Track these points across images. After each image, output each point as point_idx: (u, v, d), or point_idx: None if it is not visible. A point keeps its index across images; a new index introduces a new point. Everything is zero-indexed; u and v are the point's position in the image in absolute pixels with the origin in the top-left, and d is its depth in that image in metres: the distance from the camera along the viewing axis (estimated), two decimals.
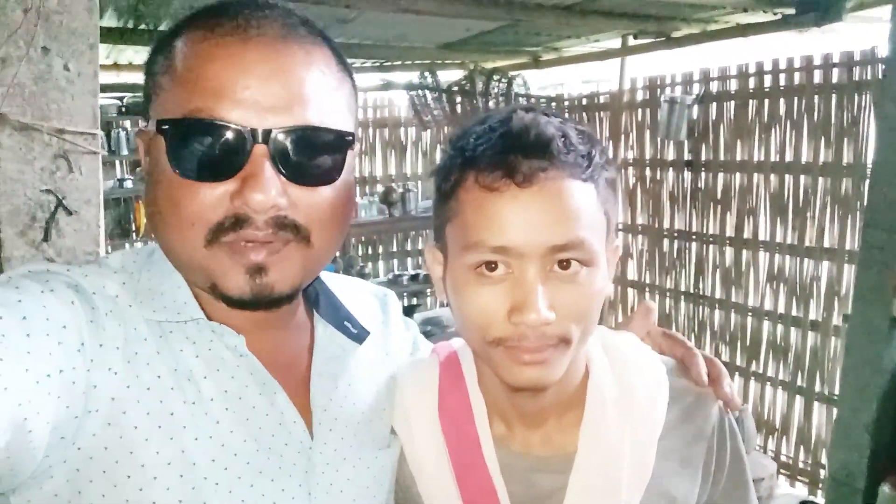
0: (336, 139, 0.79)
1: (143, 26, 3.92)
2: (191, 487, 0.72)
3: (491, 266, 0.77)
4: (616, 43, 4.80)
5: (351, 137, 0.81)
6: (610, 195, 0.83)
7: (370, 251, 6.21)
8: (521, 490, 0.88)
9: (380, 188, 5.79)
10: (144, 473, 0.70)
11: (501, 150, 0.77)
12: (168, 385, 0.74)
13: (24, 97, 1.52)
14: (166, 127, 0.73)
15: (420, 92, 5.68)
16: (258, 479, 0.77)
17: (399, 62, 5.69)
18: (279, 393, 0.81)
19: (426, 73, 5.74)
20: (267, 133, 0.73)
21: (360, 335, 0.94)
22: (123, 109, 5.63)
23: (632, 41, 4.66)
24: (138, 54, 4.81)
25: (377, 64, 5.69)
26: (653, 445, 0.87)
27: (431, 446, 0.91)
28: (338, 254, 4.88)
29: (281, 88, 0.74)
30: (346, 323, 0.94)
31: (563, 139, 0.78)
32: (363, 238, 6.06)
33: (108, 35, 3.85)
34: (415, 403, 0.94)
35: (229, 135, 0.72)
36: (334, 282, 1.00)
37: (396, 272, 5.91)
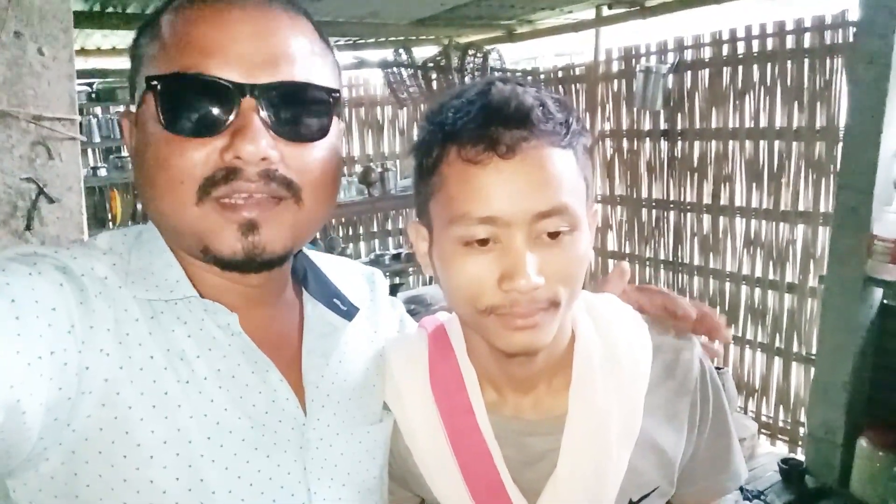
0: (322, 96, 0.80)
1: (110, 9, 3.83)
2: (187, 465, 0.73)
3: (479, 237, 0.79)
4: (590, 14, 4.79)
5: (337, 94, 0.82)
6: (587, 161, 0.85)
7: (351, 232, 6.20)
8: (514, 453, 0.91)
9: (358, 168, 5.76)
10: (140, 453, 0.71)
11: (482, 122, 0.78)
12: (161, 365, 0.75)
13: None
14: (154, 83, 0.74)
15: (395, 69, 5.63)
16: (254, 456, 0.78)
17: (372, 39, 5.63)
18: (271, 371, 0.82)
19: (400, 50, 5.68)
20: (254, 87, 0.74)
21: (349, 312, 0.95)
22: (94, 95, 5.51)
23: (605, 11, 4.65)
24: (106, 38, 4.72)
25: (350, 42, 5.63)
26: (639, 402, 0.91)
27: (425, 417, 0.93)
28: (318, 235, 4.86)
29: (267, 45, 0.76)
30: (335, 300, 0.95)
31: (541, 108, 0.79)
32: (343, 219, 6.04)
33: (76, 19, 3.76)
34: (406, 377, 0.96)
35: (218, 89, 0.74)
36: (322, 260, 1.01)
37: (378, 252, 5.90)
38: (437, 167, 0.82)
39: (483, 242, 0.79)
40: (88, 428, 0.70)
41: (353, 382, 0.93)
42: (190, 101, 0.73)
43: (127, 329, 0.74)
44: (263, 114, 0.75)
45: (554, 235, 0.79)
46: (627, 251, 5.00)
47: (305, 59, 0.78)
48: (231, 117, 0.74)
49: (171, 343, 0.77)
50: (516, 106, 0.78)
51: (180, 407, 0.74)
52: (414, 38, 5.69)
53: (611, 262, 5.17)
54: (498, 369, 0.92)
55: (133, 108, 0.80)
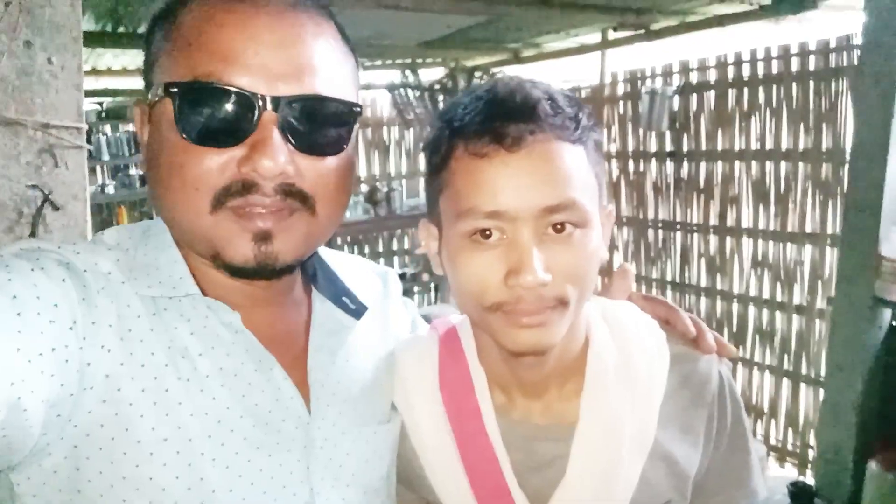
0: (344, 109, 0.80)
1: (122, 29, 3.88)
2: (187, 464, 0.73)
3: (485, 232, 0.78)
4: (596, 37, 4.83)
5: (358, 109, 0.82)
6: (599, 158, 0.83)
7: (357, 251, 6.20)
8: (522, 458, 0.89)
9: (364, 188, 5.78)
10: (140, 450, 0.70)
11: (488, 116, 0.78)
12: (162, 362, 0.74)
13: (7, 92, 1.51)
14: (174, 90, 0.73)
15: (402, 91, 5.68)
16: (255, 455, 0.77)
17: (380, 61, 5.69)
18: (276, 369, 0.81)
19: (407, 72, 5.74)
20: (276, 100, 0.73)
21: (358, 311, 0.94)
22: (104, 114, 5.57)
23: (611, 34, 4.68)
24: (118, 59, 4.78)
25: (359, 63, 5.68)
26: (654, 412, 0.88)
27: (433, 419, 0.92)
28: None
29: (291, 56, 0.74)
30: (343, 298, 0.94)
31: (549, 102, 0.79)
32: (349, 238, 6.04)
33: (87, 39, 3.80)
34: (415, 378, 0.94)
35: (239, 100, 0.72)
36: (334, 258, 1.00)
37: None
38: (446, 163, 0.81)
39: (489, 236, 0.78)
40: (89, 424, 0.69)
41: (361, 381, 0.92)
42: (209, 111, 0.72)
43: (129, 325, 0.74)
44: (284, 127, 0.74)
45: (562, 231, 0.78)
46: (634, 272, 4.97)
47: (328, 69, 0.77)
48: (250, 128, 0.73)
49: (173, 340, 0.76)
50: (522, 99, 0.78)
51: (181, 404, 0.74)
52: (421, 60, 5.75)
53: None
54: (508, 371, 0.90)
55: (149, 96, 0.79)
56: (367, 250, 6.22)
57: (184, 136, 0.72)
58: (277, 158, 0.73)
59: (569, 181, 0.77)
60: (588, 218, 0.79)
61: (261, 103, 0.73)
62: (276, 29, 0.74)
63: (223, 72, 0.72)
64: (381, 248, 6.27)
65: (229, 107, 0.72)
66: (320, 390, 0.86)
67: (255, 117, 0.73)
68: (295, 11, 0.76)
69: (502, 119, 0.77)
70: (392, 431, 0.94)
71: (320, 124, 0.77)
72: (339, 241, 5.61)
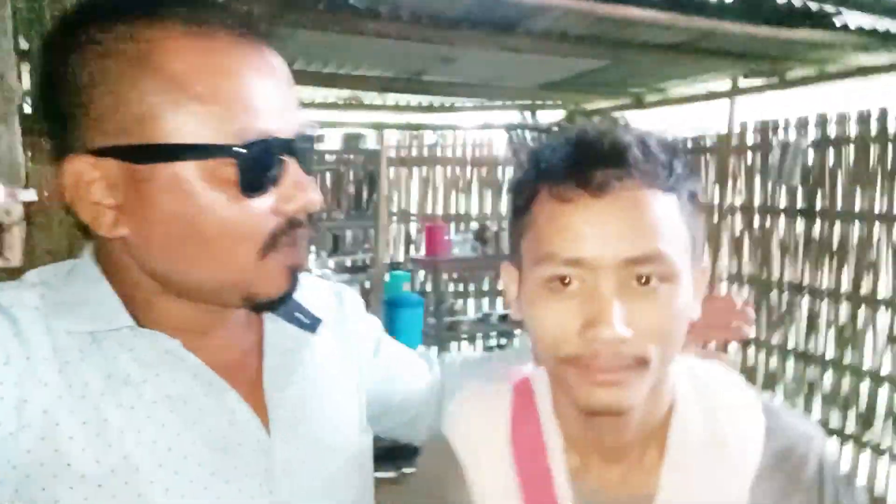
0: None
1: None
2: (137, 494, 0.71)
3: (564, 280, 0.74)
4: (725, 84, 4.62)
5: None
6: (693, 210, 0.78)
7: (462, 288, 6.19)
8: None
9: (474, 225, 5.79)
10: (87, 483, 0.69)
11: (575, 160, 0.75)
12: (99, 391, 0.73)
13: None
14: (238, 150, 0.71)
15: (519, 132, 5.67)
16: (212, 482, 0.75)
17: (499, 102, 5.71)
18: (227, 392, 0.79)
19: (526, 114, 5.73)
20: (294, 140, 0.76)
21: (312, 325, 0.92)
22: None
23: (742, 82, 4.46)
24: None
25: (478, 103, 5.74)
26: (743, 492, 0.79)
27: (500, 479, 0.86)
28: (429, 289, 4.88)
29: (292, 92, 0.78)
30: (296, 314, 0.92)
31: (640, 147, 0.74)
32: (455, 275, 6.04)
33: None
34: (485, 432, 0.89)
35: (277, 147, 0.74)
36: None
37: (486, 311, 5.84)
38: (529, 207, 0.79)
39: (569, 284, 0.74)
40: (29, 464, 0.68)
41: (324, 397, 0.90)
42: (262, 165, 0.74)
43: (65, 357, 0.72)
44: (301, 162, 0.78)
45: (647, 285, 0.72)
46: (752, 336, 4.65)
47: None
48: (284, 171, 0.75)
49: (115, 368, 0.74)
50: (611, 143, 0.74)
51: (123, 433, 0.72)
52: (540, 102, 5.72)
53: (734, 345, 4.83)
54: (584, 432, 0.84)
55: (88, 154, 0.71)
56: (472, 287, 6.20)
57: (246, 193, 0.73)
58: (317, 191, 0.76)
59: (657, 231, 0.72)
60: (676, 272, 0.73)
61: (290, 145, 0.75)
62: (280, 69, 0.77)
63: (264, 124, 0.73)
64: (486, 287, 6.23)
65: (274, 156, 0.74)
66: (279, 411, 0.84)
67: (287, 159, 0.75)
68: (274, 53, 0.78)
69: (589, 163, 0.73)
70: (366, 445, 0.94)
71: (312, 151, 0.84)
72: (444, 276, 5.61)
